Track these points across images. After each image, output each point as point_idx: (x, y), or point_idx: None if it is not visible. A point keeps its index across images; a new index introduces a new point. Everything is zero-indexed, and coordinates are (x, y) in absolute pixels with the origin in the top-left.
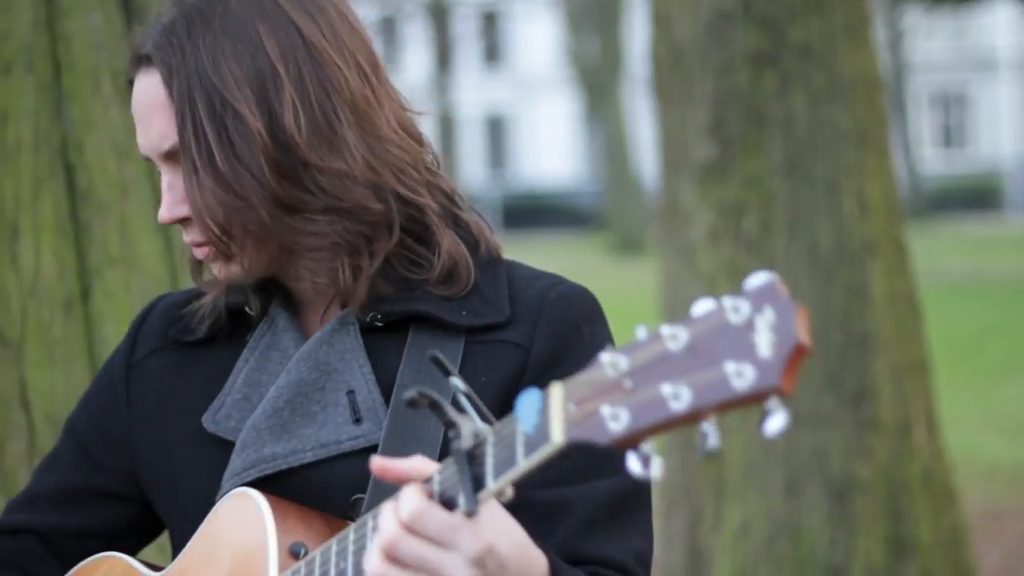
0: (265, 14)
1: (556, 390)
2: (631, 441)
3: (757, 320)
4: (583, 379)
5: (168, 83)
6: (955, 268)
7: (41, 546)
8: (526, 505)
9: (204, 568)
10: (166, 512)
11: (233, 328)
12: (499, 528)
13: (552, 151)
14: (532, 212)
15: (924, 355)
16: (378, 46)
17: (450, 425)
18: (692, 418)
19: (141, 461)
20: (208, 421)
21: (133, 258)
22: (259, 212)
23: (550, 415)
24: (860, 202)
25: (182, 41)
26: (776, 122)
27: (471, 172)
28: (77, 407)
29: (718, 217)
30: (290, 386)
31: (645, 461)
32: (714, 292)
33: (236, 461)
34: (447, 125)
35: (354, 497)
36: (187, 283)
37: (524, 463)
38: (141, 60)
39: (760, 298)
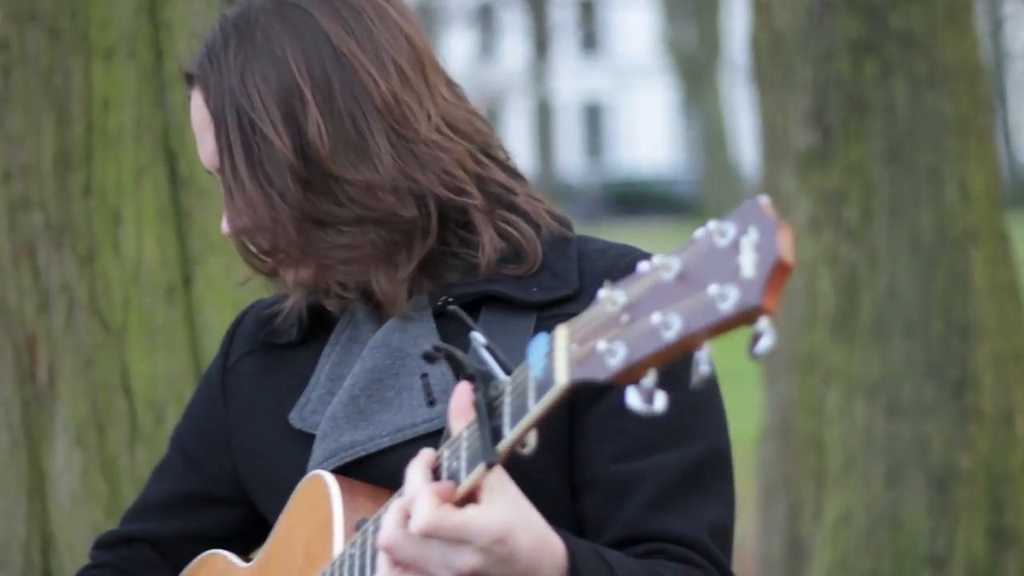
0: (294, 26)
1: (561, 331)
2: (631, 375)
3: (742, 241)
4: (585, 318)
5: (208, 103)
6: None
7: (155, 553)
8: (597, 481)
9: (284, 551)
10: (266, 510)
11: (319, 327)
12: (512, 515)
13: (650, 139)
14: (630, 199)
15: None
16: (475, 34)
17: (470, 378)
18: (685, 345)
19: (240, 462)
20: (295, 418)
21: (233, 245)
22: (288, 230)
23: (555, 356)
24: (962, 190)
25: (219, 59)
26: (877, 109)
27: (569, 160)
28: (182, 417)
29: (818, 205)
30: (365, 373)
31: (648, 396)
32: (814, 281)
33: (317, 451)
34: (545, 113)
35: None
36: None
37: (535, 408)
38: (188, 79)
39: (745, 219)
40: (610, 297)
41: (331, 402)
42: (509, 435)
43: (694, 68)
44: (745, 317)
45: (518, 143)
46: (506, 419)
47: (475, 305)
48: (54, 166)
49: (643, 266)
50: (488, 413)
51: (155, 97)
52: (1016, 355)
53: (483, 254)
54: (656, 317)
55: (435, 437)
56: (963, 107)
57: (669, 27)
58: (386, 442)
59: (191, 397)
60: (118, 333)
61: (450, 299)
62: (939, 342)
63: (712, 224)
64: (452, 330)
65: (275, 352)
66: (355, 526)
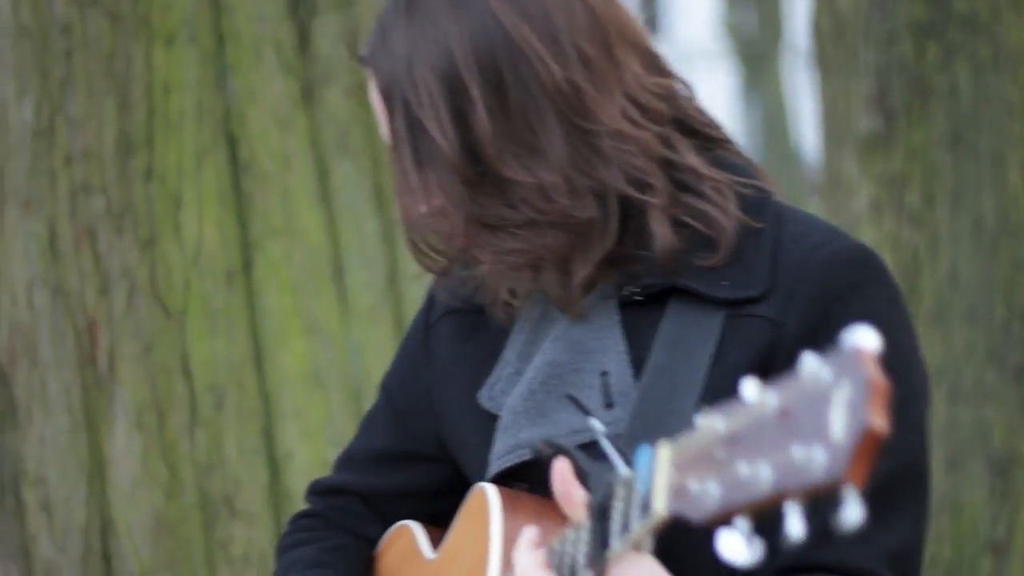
0: (464, 8)
1: (664, 451)
2: (724, 518)
3: (835, 393)
4: (688, 441)
5: (379, 88)
6: None
7: (363, 506)
8: None
9: (453, 564)
10: (467, 474)
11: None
12: None
13: None
14: None
15: None
16: None
17: (583, 474)
18: (778, 500)
19: (442, 425)
20: (484, 397)
21: (295, 229)
22: (455, 230)
23: (656, 480)
24: None
25: (388, 42)
26: (940, 93)
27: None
28: (391, 364)
29: (880, 190)
30: (545, 367)
31: (742, 540)
32: None
33: (499, 444)
34: None
35: None
36: (348, 256)
37: (638, 529)
38: (363, 62)
39: (842, 366)
40: (710, 424)
41: (518, 382)
42: (616, 547)
43: (755, 52)
44: (832, 485)
45: None
46: (615, 527)
47: (662, 296)
48: (115, 150)
49: (747, 390)
50: (600, 514)
51: (216, 81)
52: None
53: (659, 247)
54: (750, 466)
55: (611, 441)
56: None
57: (730, 11)
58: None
59: (398, 350)
60: (178, 317)
61: (636, 290)
62: (1001, 327)
63: (812, 361)
64: (638, 321)
65: (471, 315)
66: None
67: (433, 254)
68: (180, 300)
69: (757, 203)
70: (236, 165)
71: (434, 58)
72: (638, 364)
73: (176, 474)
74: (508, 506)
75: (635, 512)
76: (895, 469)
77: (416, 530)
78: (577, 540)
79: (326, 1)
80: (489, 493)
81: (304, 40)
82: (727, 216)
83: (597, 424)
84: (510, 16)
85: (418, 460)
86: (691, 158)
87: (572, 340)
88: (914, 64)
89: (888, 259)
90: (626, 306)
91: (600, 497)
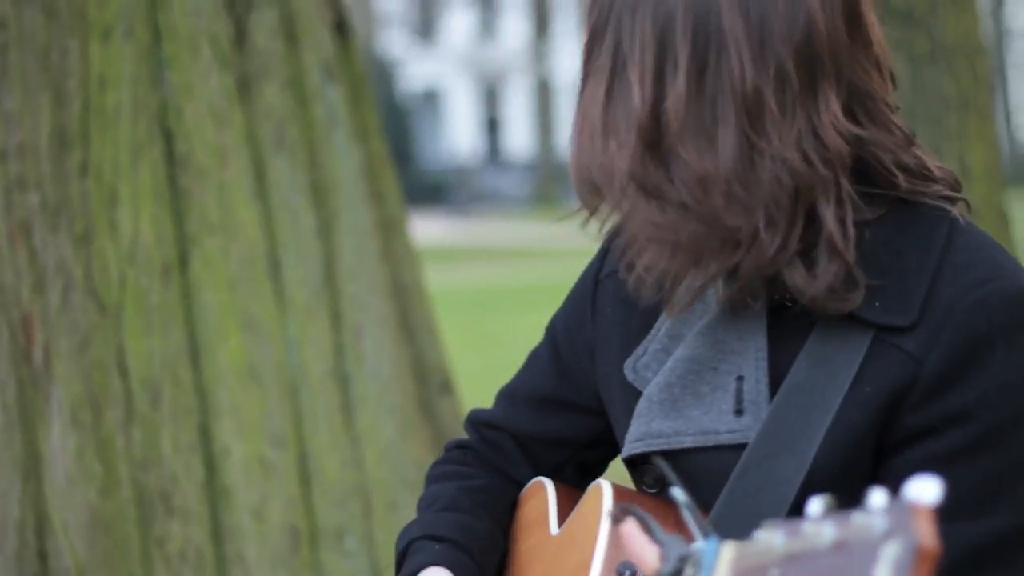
0: None
1: (728, 552)
2: None
3: (884, 549)
4: (748, 548)
5: (590, 15)
6: None
7: (516, 446)
8: None
9: (565, 553)
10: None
11: None
12: None
13: None
14: None
15: None
16: (476, 13)
17: (662, 544)
18: None
19: (599, 382)
20: (628, 368)
21: (231, 225)
22: (614, 182)
23: None
24: (962, 168)
25: None
26: None
27: (568, 139)
28: (561, 307)
29: None
30: (685, 361)
31: None
32: None
33: (633, 428)
34: (545, 92)
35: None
36: (284, 251)
37: None
38: None
39: (896, 522)
40: (769, 538)
41: (664, 361)
42: None
43: None
44: None
45: (518, 122)
46: None
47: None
48: (50, 146)
49: (813, 508)
50: None
51: (152, 76)
52: None
53: (818, 281)
54: None
55: (737, 450)
56: (963, 85)
57: None
58: (688, 442)
59: (570, 292)
60: (114, 313)
61: (789, 295)
62: None
63: (874, 501)
64: (784, 329)
65: None
66: (616, 569)
67: (591, 197)
68: (116, 296)
69: (930, 222)
70: (172, 160)
71: (657, 13)
72: (776, 374)
73: (112, 471)
74: (617, 498)
75: None
76: (1010, 527)
77: (550, 493)
78: None
79: None
80: (605, 492)
81: (240, 34)
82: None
83: (680, 495)
84: (732, 8)
85: (574, 409)
86: (831, 213)
87: (716, 338)
88: None
89: None
90: (774, 311)
91: (671, 570)
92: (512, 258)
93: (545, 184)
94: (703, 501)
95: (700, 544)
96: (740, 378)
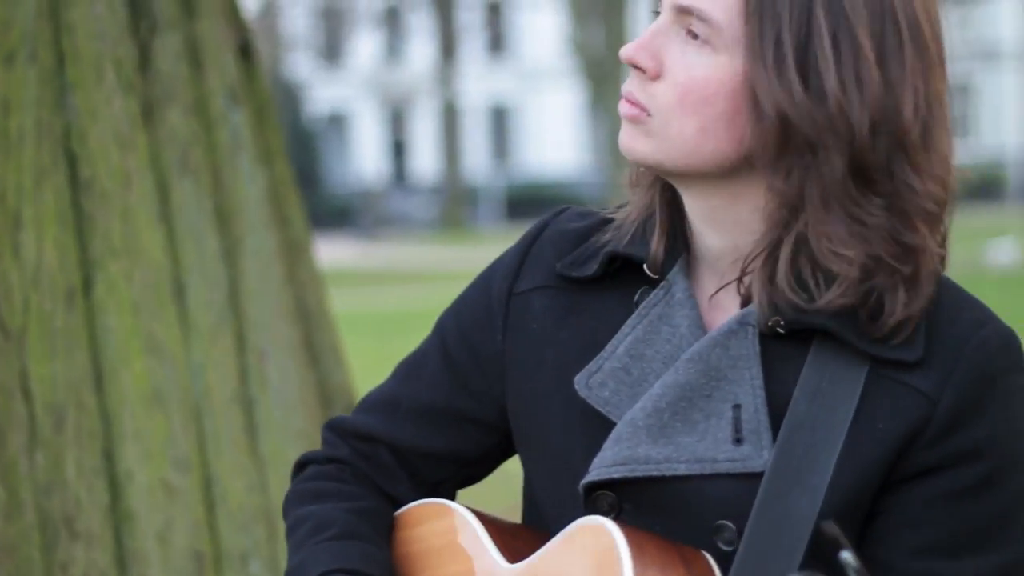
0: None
1: None
2: None
3: None
4: None
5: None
6: (958, 258)
7: (394, 459)
8: (889, 569)
9: None
10: (527, 456)
11: (623, 274)
12: None
13: (556, 141)
14: (536, 202)
15: None
16: (382, 36)
17: None
18: None
19: (512, 399)
20: (581, 384)
21: (135, 249)
22: (817, 140)
23: None
24: None
25: None
26: None
27: (474, 162)
28: (449, 312)
29: None
30: (676, 387)
31: None
32: None
33: (608, 452)
34: (451, 115)
35: (721, 522)
36: (189, 275)
37: None
38: None
39: None
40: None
41: (624, 381)
42: None
43: (601, 70)
44: None
45: (424, 146)
46: None
47: (806, 335)
48: None
49: (846, 556)
50: None
51: (56, 100)
52: None
53: (890, 320)
54: None
55: (734, 479)
56: None
57: (576, 29)
58: (682, 469)
59: (461, 297)
60: (17, 337)
61: (781, 322)
62: None
63: None
64: (778, 356)
65: (570, 292)
66: None
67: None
68: (19, 320)
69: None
70: (76, 184)
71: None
72: (773, 402)
73: (15, 495)
74: (635, 550)
75: None
76: (1010, 561)
77: (469, 519)
78: None
79: (166, 19)
80: (613, 533)
81: (145, 59)
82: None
83: (850, 559)
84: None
85: (469, 422)
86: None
87: (709, 364)
88: None
89: None
90: (767, 338)
91: None
92: (418, 281)
93: (451, 207)
94: (691, 530)
95: None
96: (737, 406)
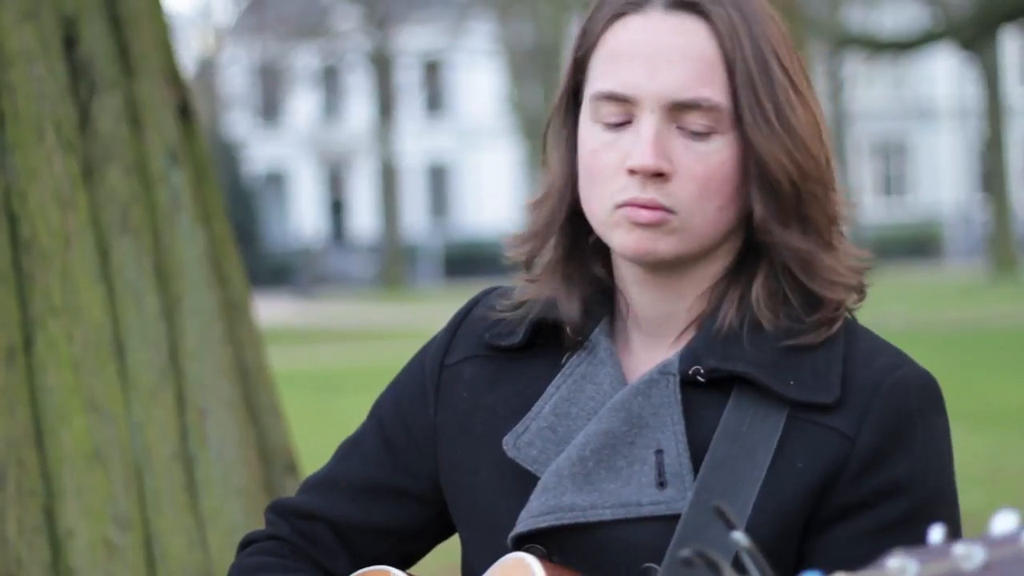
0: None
1: None
2: None
3: None
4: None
5: (721, 38)
6: (894, 316)
7: (335, 537)
8: None
9: None
10: (461, 523)
11: (550, 341)
12: None
13: (494, 200)
14: (474, 260)
15: None
16: (321, 95)
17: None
18: None
19: (445, 470)
20: (509, 445)
21: (75, 307)
22: (816, 190)
23: None
24: None
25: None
26: None
27: (413, 220)
28: (385, 393)
29: None
30: (599, 435)
31: None
32: None
33: (535, 503)
34: (389, 174)
35: (647, 565)
36: (129, 333)
37: None
38: (682, 5)
39: None
40: (900, 567)
41: (551, 439)
42: None
43: (538, 128)
44: None
45: (363, 204)
46: None
47: (727, 382)
48: None
49: (936, 536)
50: None
51: None
52: None
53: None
54: None
55: (658, 522)
56: None
57: (514, 88)
58: (607, 515)
59: (398, 376)
60: None
61: (701, 371)
62: None
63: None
64: (698, 403)
65: (499, 360)
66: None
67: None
68: None
69: (843, 310)
70: (16, 243)
71: (787, 44)
72: (695, 448)
73: None
74: None
75: None
76: None
77: (392, 573)
78: None
79: (106, 80)
80: (531, 564)
81: (84, 119)
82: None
83: (742, 538)
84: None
85: (406, 496)
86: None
87: (631, 412)
88: None
89: None
90: (687, 385)
91: None
92: (357, 339)
93: (389, 265)
94: (615, 574)
95: None
96: (659, 452)
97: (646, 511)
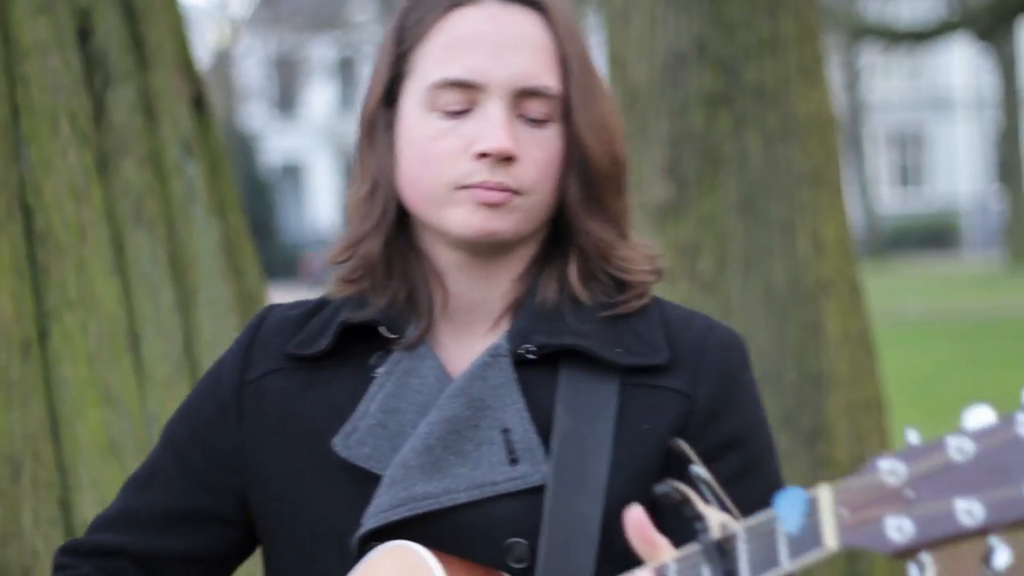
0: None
1: (825, 493)
2: (911, 552)
3: None
4: (856, 484)
5: (556, 30)
6: (911, 307)
7: (138, 570)
8: None
9: None
10: (279, 536)
11: (356, 343)
12: None
13: None
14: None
15: (879, 394)
16: (337, 87)
17: (698, 517)
18: (980, 533)
19: (256, 487)
20: (340, 445)
21: (90, 300)
22: (620, 182)
23: (821, 519)
24: (815, 242)
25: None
26: (731, 162)
27: None
28: (177, 417)
29: (674, 257)
30: (442, 423)
31: (921, 569)
32: None
33: (383, 498)
34: None
35: (511, 540)
36: (144, 325)
37: (788, 564)
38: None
39: None
40: (891, 469)
41: (383, 436)
42: None
43: None
44: None
45: None
46: (743, 565)
47: (556, 357)
48: None
49: (916, 438)
50: (719, 555)
51: (11, 152)
52: (868, 405)
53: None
54: (957, 502)
55: (516, 497)
56: (815, 160)
57: None
58: (463, 497)
59: (189, 397)
60: None
61: (531, 348)
62: (793, 392)
63: (1020, 415)
64: (533, 380)
65: (306, 369)
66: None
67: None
68: None
69: (655, 271)
70: (31, 236)
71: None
72: (539, 423)
73: None
74: (442, 561)
75: (782, 551)
76: None
77: None
78: None
79: (120, 72)
80: (417, 549)
81: (99, 111)
82: (625, 285)
83: (700, 471)
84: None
85: (211, 521)
86: (596, 223)
87: (471, 396)
88: (705, 134)
89: None
90: (519, 364)
91: (716, 540)
92: None
93: None
94: (482, 556)
95: (729, 518)
96: (506, 430)
97: (502, 488)
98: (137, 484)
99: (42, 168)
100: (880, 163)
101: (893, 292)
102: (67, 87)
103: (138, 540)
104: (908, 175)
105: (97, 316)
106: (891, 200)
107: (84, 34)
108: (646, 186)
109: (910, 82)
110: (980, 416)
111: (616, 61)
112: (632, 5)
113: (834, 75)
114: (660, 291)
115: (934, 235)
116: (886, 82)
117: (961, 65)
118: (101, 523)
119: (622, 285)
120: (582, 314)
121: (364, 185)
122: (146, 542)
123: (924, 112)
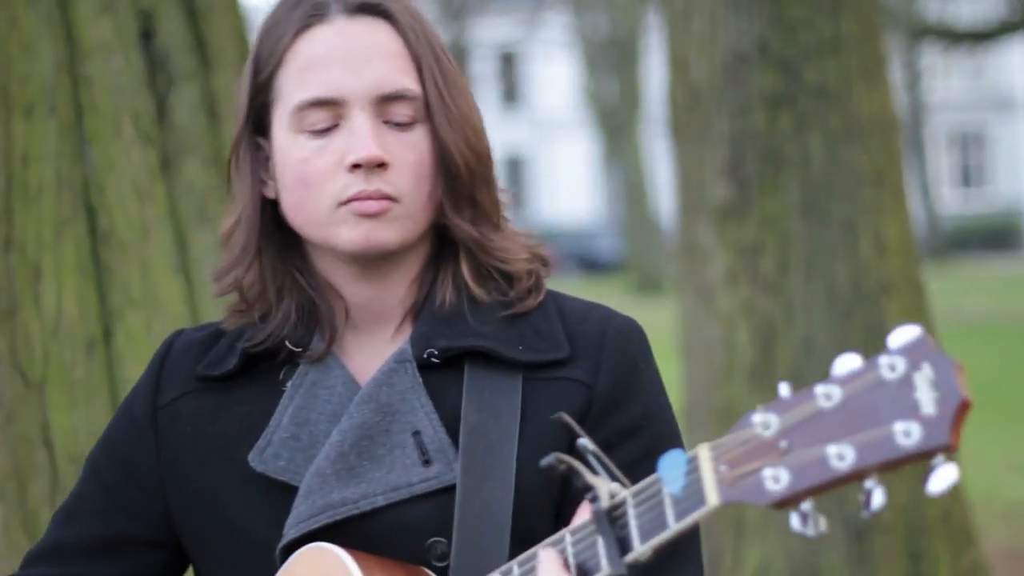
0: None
1: (704, 452)
2: (791, 502)
3: (915, 377)
4: (732, 440)
5: (405, 34)
6: (974, 308)
7: None
8: None
9: None
10: (203, 558)
11: (263, 361)
12: None
13: (570, 192)
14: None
15: None
16: None
17: (587, 488)
18: (854, 477)
19: (179, 507)
20: (255, 460)
21: (154, 299)
22: (487, 175)
23: (701, 476)
24: (877, 242)
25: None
26: (793, 163)
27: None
28: (98, 448)
29: (735, 257)
30: (353, 429)
31: (804, 519)
32: (732, 333)
33: (301, 507)
34: None
35: (433, 540)
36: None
37: (676, 525)
38: (363, 8)
39: (915, 354)
40: (763, 421)
41: (296, 448)
42: (641, 548)
43: (615, 121)
44: (925, 454)
45: None
46: (633, 531)
47: (459, 359)
48: None
49: (786, 391)
50: (609, 523)
51: (75, 152)
52: None
53: (466, 303)
54: (828, 448)
55: (432, 497)
56: (877, 160)
57: (590, 80)
58: (380, 501)
59: (108, 427)
60: (38, 387)
61: (434, 352)
62: None
63: (880, 358)
64: (439, 382)
65: (216, 390)
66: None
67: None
68: (40, 370)
69: (541, 261)
70: (95, 236)
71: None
72: (447, 424)
73: None
74: (358, 559)
75: (670, 513)
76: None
77: None
78: (566, 552)
79: (183, 72)
80: (332, 548)
81: (162, 110)
82: (514, 280)
83: (587, 443)
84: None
85: (140, 545)
86: (481, 222)
87: (380, 402)
88: (767, 134)
89: (744, 326)
90: (424, 368)
91: (607, 505)
92: None
93: None
94: (404, 557)
95: (618, 487)
96: (416, 432)
97: (418, 489)
98: (64, 515)
99: (105, 168)
100: (941, 164)
101: (955, 293)
102: (130, 87)
103: (69, 572)
104: (970, 175)
105: (161, 315)
106: (952, 201)
107: (147, 35)
108: (707, 187)
109: (971, 82)
110: (847, 363)
111: (677, 61)
112: (693, 5)
113: (895, 75)
114: (721, 292)
115: (996, 235)
116: (947, 82)
117: (1022, 65)
118: (33, 557)
119: (508, 277)
120: (482, 314)
121: (231, 217)
122: (77, 572)
123: (985, 112)
